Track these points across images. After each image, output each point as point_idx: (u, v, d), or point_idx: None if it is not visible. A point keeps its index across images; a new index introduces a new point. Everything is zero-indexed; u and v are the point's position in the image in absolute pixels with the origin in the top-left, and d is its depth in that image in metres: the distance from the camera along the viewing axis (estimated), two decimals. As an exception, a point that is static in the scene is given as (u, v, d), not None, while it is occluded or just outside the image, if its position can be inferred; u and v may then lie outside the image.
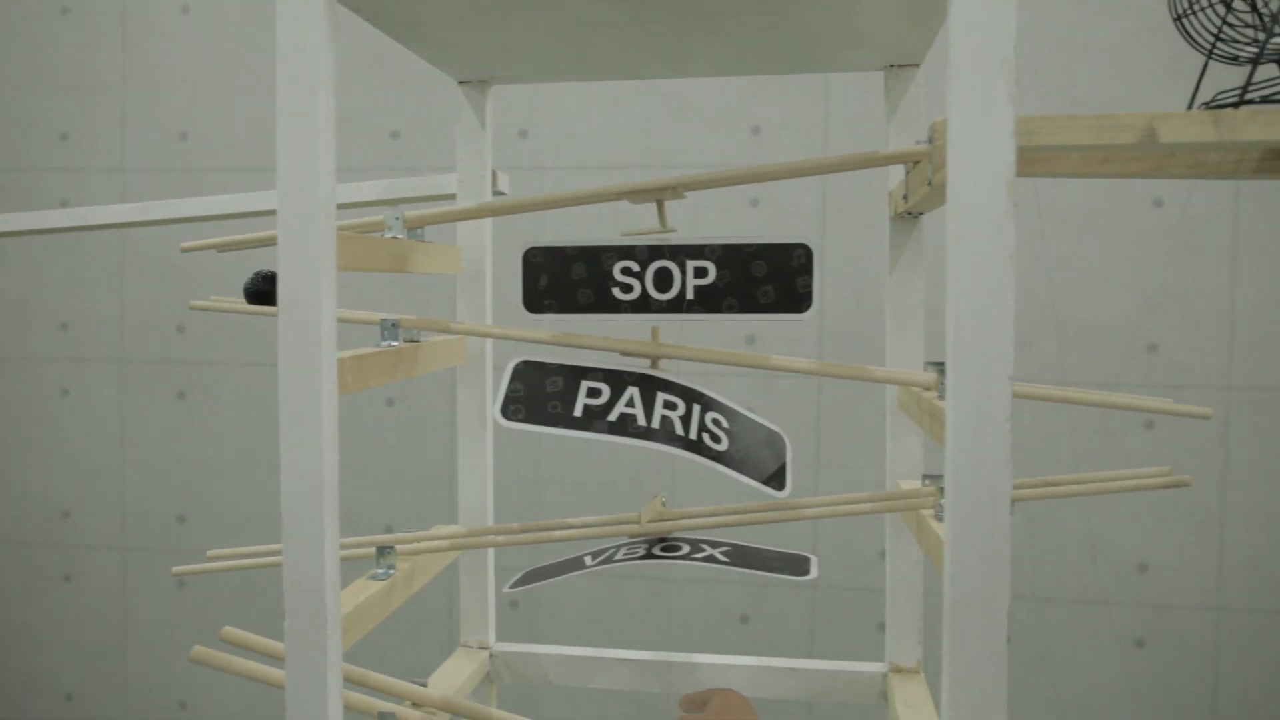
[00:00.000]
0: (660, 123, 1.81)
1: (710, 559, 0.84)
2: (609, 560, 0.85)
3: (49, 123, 2.00)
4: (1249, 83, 0.81)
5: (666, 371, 0.87)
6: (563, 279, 0.87)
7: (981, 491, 0.63)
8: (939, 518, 0.80)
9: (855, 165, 0.82)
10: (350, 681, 0.81)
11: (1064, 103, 1.66)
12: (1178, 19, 0.87)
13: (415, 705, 0.86)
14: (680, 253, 0.85)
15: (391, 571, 0.88)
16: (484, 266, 1.07)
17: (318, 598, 0.69)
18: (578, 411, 0.84)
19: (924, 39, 0.91)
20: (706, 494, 1.78)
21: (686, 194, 0.85)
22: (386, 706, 0.84)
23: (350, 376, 0.74)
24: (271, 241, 0.82)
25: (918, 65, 0.99)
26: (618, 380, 0.85)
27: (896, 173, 1.01)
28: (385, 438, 1.91)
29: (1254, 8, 0.84)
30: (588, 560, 0.87)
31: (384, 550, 0.89)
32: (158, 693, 2.02)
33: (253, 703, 1.95)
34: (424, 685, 0.89)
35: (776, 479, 0.84)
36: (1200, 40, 0.85)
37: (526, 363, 0.86)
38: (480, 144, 1.06)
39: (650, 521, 0.89)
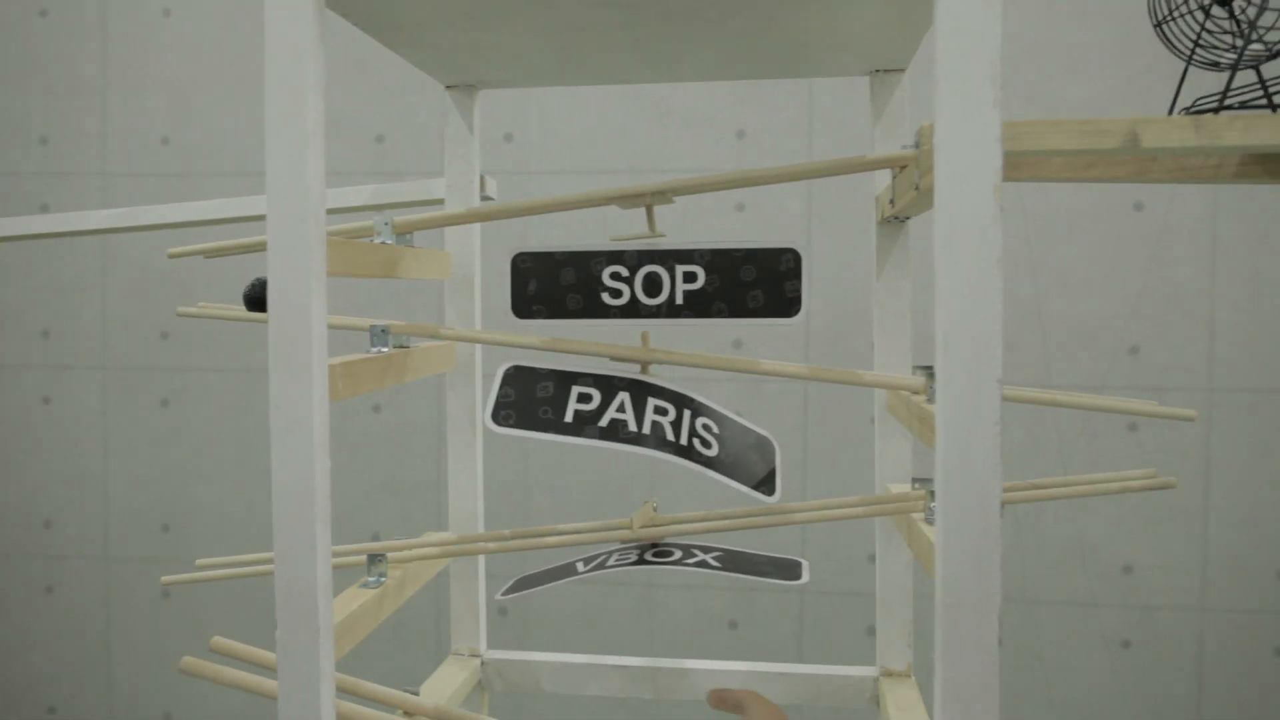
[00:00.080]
0: (645, 127, 1.81)
1: (702, 564, 0.84)
2: (601, 566, 0.85)
3: (28, 127, 1.98)
4: (1228, 88, 0.82)
5: (657, 377, 0.87)
6: (552, 284, 0.87)
7: (972, 494, 0.63)
8: (929, 521, 0.81)
9: (843, 170, 0.83)
10: (341, 691, 0.81)
11: (1043, 107, 1.67)
12: (1158, 25, 0.88)
13: (408, 714, 0.86)
14: (669, 257, 0.85)
15: (383, 579, 0.88)
16: (473, 272, 1.07)
17: (310, 606, 0.69)
18: (569, 417, 0.84)
19: (909, 44, 0.92)
20: (694, 498, 1.79)
21: (675, 199, 0.85)
22: (379, 716, 0.84)
23: (341, 383, 0.74)
24: (260, 247, 0.81)
25: (903, 70, 1.00)
26: (608, 385, 0.85)
27: (883, 177, 1.01)
28: (372, 444, 1.90)
29: (1232, 14, 0.85)
30: (580, 566, 0.87)
31: (375, 558, 0.89)
32: (143, 705, 2.00)
33: (239, 714, 1.93)
34: (416, 694, 0.88)
35: (766, 484, 0.84)
36: (1180, 46, 0.87)
37: (517, 368, 0.86)
38: (468, 149, 1.06)
39: (642, 527, 0.89)
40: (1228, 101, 0.82)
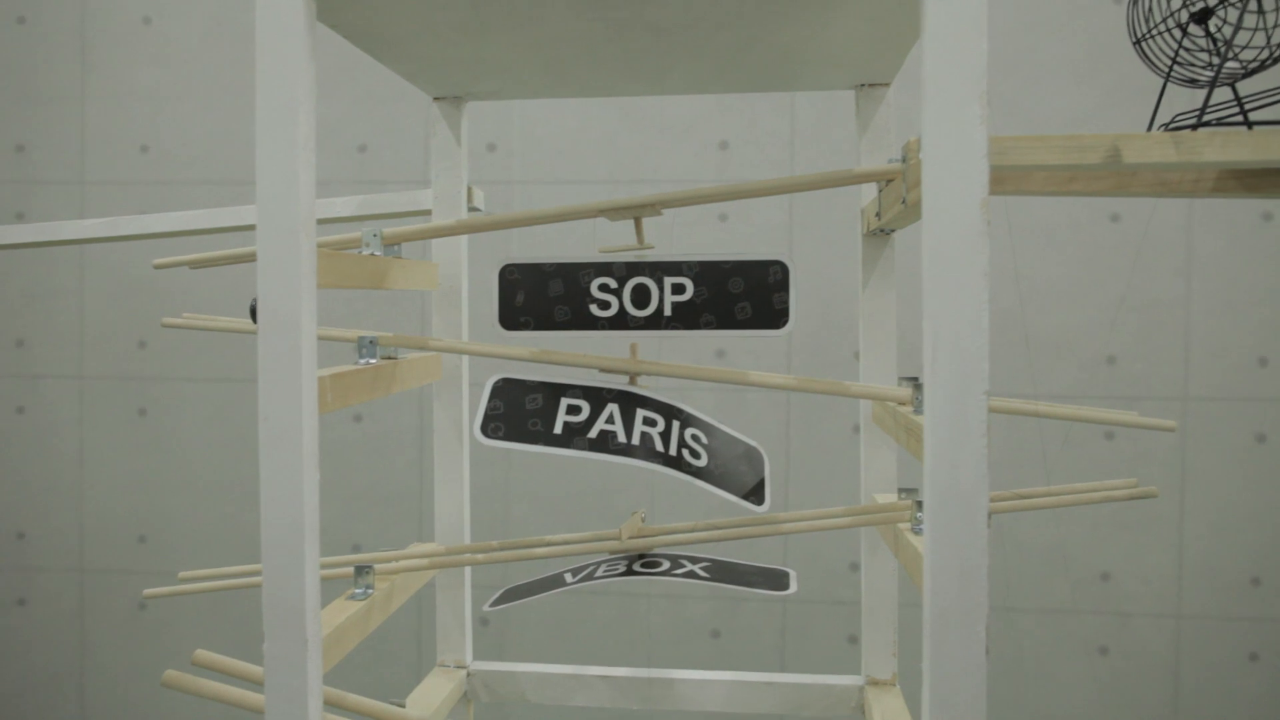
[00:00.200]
0: (628, 137, 1.82)
1: (691, 575, 0.84)
2: (590, 577, 0.85)
3: (4, 134, 1.95)
4: (1206, 105, 0.84)
5: (645, 388, 0.88)
6: (540, 296, 0.87)
7: (959, 505, 0.64)
8: (917, 531, 0.81)
9: (831, 183, 0.83)
10: (327, 704, 0.80)
11: (1022, 120, 1.70)
12: (1137, 42, 0.89)
13: (394, 726, 0.86)
14: (658, 269, 0.86)
15: (370, 591, 0.87)
16: (460, 283, 1.07)
17: (298, 619, 0.68)
18: (558, 429, 0.84)
19: (894, 59, 0.93)
20: (679, 507, 1.79)
21: (663, 211, 0.86)
22: (365, 728, 0.83)
23: (330, 395, 0.74)
24: (247, 258, 0.81)
25: (888, 84, 1.01)
26: (597, 397, 0.86)
27: (868, 190, 1.02)
28: (352, 455, 1.89)
29: (1208, 33, 0.87)
30: (568, 578, 0.87)
31: (362, 569, 0.88)
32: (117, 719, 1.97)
33: (216, 726, 1.91)
34: (402, 706, 0.88)
35: (755, 494, 0.84)
36: (1158, 63, 0.88)
37: (506, 380, 0.86)
38: (456, 160, 1.06)
39: (630, 538, 0.89)
40: (1205, 118, 0.84)
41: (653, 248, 0.87)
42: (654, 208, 0.84)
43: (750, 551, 1.70)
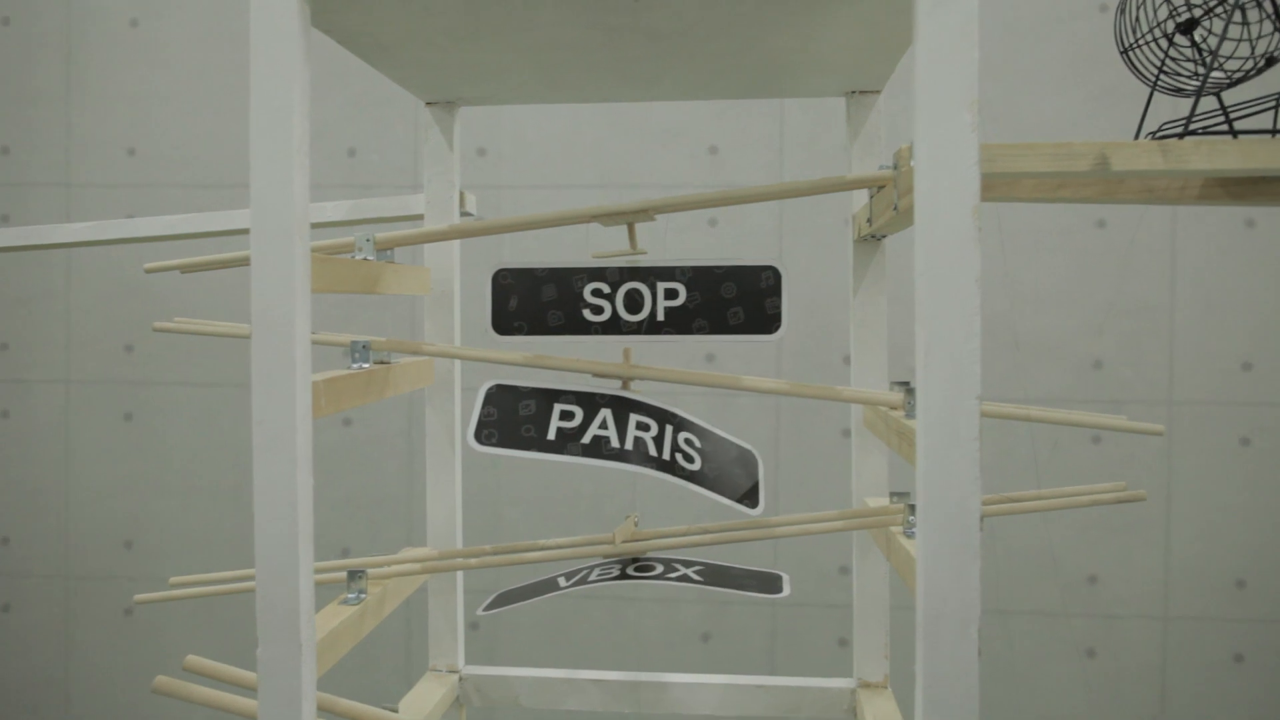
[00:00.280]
0: (618, 142, 1.82)
1: (684, 579, 0.84)
2: (583, 581, 0.85)
3: (-10, 137, 1.94)
4: (1192, 114, 0.85)
5: (638, 392, 0.88)
6: (533, 301, 0.87)
7: (951, 508, 0.65)
8: (909, 534, 0.82)
9: (823, 190, 0.84)
10: (320, 709, 0.80)
11: (1007, 126, 1.71)
12: (1124, 52, 0.91)
13: (386, 731, 0.85)
14: (651, 275, 0.86)
15: (363, 596, 0.87)
16: (452, 287, 1.07)
17: (292, 623, 0.68)
18: (551, 434, 0.84)
19: (885, 66, 0.94)
20: (669, 510, 1.79)
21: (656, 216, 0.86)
22: (358, 733, 0.83)
23: (324, 399, 0.74)
24: (239, 263, 0.81)
25: (879, 92, 1.02)
26: (590, 402, 0.86)
27: (859, 196, 1.03)
28: (341, 459, 1.88)
29: (1194, 43, 0.88)
30: (561, 581, 0.87)
31: (355, 574, 0.88)
32: (102, 725, 1.95)
33: (203, 732, 1.90)
34: (395, 710, 0.88)
35: (749, 497, 0.85)
36: (1145, 73, 0.89)
37: (499, 386, 0.86)
38: (448, 164, 1.06)
39: (624, 542, 0.90)
40: (1191, 126, 0.85)
41: (645, 253, 0.87)
42: (647, 213, 0.85)
43: (740, 555, 1.70)
